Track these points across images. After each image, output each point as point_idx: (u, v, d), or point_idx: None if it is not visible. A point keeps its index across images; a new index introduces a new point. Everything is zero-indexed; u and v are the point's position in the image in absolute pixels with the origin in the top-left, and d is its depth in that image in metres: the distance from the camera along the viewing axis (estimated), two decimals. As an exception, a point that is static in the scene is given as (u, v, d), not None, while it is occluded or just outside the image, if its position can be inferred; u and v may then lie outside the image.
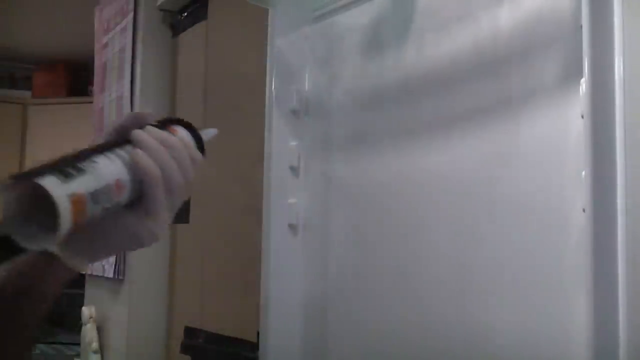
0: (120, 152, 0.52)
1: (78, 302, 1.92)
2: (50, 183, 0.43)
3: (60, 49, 3.23)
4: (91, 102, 2.03)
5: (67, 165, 0.46)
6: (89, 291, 1.95)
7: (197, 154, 0.57)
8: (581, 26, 0.53)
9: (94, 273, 1.81)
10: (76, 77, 3.41)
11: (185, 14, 1.61)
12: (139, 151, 0.52)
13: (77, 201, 0.45)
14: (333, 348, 0.83)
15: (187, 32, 1.59)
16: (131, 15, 1.70)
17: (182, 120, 0.59)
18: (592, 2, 0.53)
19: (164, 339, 1.60)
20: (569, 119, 0.55)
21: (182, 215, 1.54)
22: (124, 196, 0.50)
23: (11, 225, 0.42)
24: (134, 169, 0.51)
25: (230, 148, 1.32)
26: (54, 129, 3.18)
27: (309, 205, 0.95)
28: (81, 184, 0.46)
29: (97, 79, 1.98)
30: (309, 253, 0.87)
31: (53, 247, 0.45)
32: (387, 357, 0.74)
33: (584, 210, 0.52)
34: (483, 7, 0.66)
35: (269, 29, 0.93)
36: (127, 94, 1.69)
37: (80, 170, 0.46)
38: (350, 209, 0.82)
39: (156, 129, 0.55)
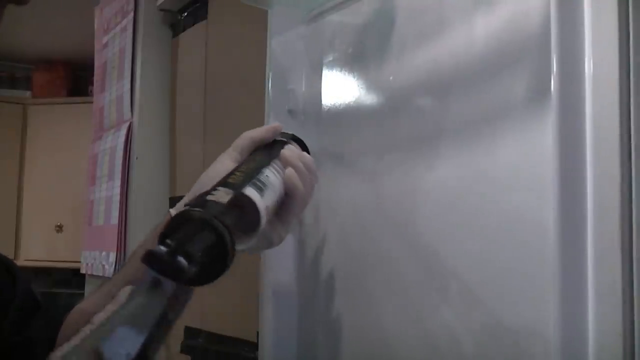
0: (275, 166, 0.59)
1: (78, 302, 1.92)
2: (254, 196, 0.51)
3: (60, 49, 3.23)
4: (91, 102, 2.03)
5: (254, 178, 0.53)
6: (89, 291, 1.95)
7: (316, 171, 0.64)
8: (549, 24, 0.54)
9: (94, 273, 1.81)
10: (76, 77, 3.41)
11: (185, 14, 1.61)
12: (293, 171, 0.59)
13: (267, 213, 0.53)
14: (332, 349, 0.83)
15: (187, 32, 1.60)
16: (131, 15, 1.70)
17: (295, 135, 0.69)
18: (560, 1, 0.53)
19: (164, 339, 1.60)
20: (543, 123, 0.55)
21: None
22: None
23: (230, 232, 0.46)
24: (286, 184, 0.58)
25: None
26: (54, 129, 3.18)
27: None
28: (268, 199, 0.54)
29: (97, 79, 1.98)
30: (305, 252, 0.88)
31: (243, 248, 0.51)
32: (385, 357, 0.74)
33: (553, 210, 0.53)
34: (460, 17, 0.66)
35: (267, 29, 0.94)
36: (127, 94, 1.69)
37: (265, 185, 0.54)
38: (346, 211, 0.82)
39: (300, 152, 0.64)
